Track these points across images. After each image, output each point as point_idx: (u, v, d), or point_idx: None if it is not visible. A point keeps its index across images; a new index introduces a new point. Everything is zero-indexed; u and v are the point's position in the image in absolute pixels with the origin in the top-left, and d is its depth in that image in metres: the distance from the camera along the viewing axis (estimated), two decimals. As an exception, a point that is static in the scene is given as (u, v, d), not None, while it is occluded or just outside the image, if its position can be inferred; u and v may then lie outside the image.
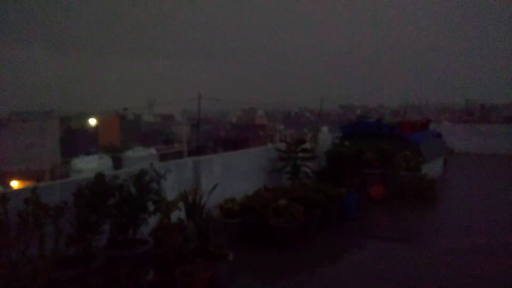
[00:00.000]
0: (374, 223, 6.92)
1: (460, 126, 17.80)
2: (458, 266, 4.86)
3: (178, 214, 4.75)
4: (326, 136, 11.01)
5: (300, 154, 7.93)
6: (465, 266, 4.84)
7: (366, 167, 8.44)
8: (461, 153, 14.25)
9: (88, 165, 17.63)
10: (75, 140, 43.47)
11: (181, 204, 4.79)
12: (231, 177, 6.77)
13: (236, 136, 49.59)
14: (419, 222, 6.96)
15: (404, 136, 9.62)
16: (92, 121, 46.97)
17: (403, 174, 8.38)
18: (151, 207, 4.43)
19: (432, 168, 9.54)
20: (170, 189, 5.00)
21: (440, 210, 7.80)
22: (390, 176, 8.48)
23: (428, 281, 4.47)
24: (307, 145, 8.26)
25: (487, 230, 6.29)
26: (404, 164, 8.51)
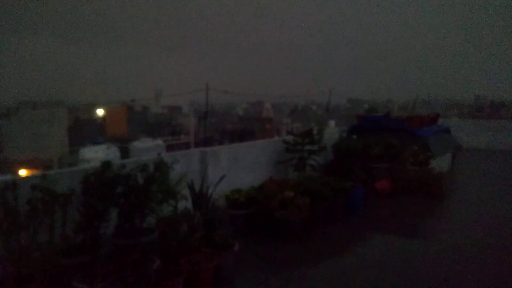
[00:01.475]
0: (380, 217, 6.91)
1: (469, 122, 17.61)
2: (464, 261, 4.84)
3: (184, 204, 4.78)
4: (333, 130, 10.96)
5: (308, 147, 7.91)
6: (471, 261, 4.83)
7: (373, 161, 8.40)
8: (470, 149, 14.11)
9: (96, 154, 17.72)
10: (83, 130, 43.80)
11: (187, 194, 4.82)
12: (237, 169, 6.79)
13: (243, 128, 49.58)
14: (425, 217, 6.93)
15: (412, 130, 9.55)
16: (100, 112, 47.17)
17: (410, 169, 8.33)
18: (158, 196, 4.46)
19: (440, 163, 9.47)
20: (177, 179, 5.01)
21: (447, 206, 7.76)
22: (397, 170, 8.44)
23: (433, 275, 4.46)
24: (314, 136, 8.22)
25: (493, 226, 6.25)
26: (412, 159, 8.46)
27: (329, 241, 5.60)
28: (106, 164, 4.25)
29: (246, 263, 4.69)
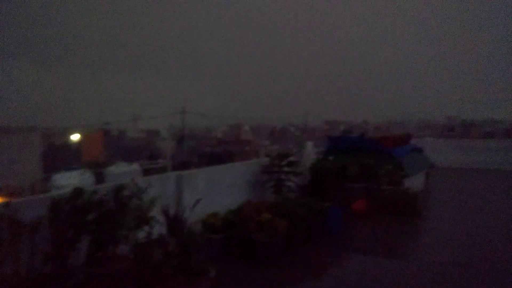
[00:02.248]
0: (358, 237, 6.93)
1: (441, 141, 18.15)
2: (441, 279, 4.89)
3: (159, 230, 4.67)
4: (310, 151, 11.06)
5: (286, 169, 7.95)
6: (447, 279, 4.87)
7: (350, 181, 8.49)
8: (443, 168, 14.49)
9: (70, 181, 17.27)
10: (58, 156, 42.72)
11: (162, 219, 4.72)
12: (215, 192, 6.72)
13: (221, 151, 49.46)
14: (402, 236, 7.00)
15: (386, 150, 9.74)
16: (75, 137, 46.21)
17: (385, 189, 8.45)
18: (131, 222, 4.35)
19: (414, 182, 9.66)
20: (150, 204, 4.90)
21: (423, 224, 7.87)
22: (373, 190, 8.55)
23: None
24: (292, 158, 8.29)
25: (468, 243, 6.37)
26: (387, 179, 8.59)
27: (307, 263, 5.56)
28: (77, 191, 4.14)
29: (223, 288, 4.59)
